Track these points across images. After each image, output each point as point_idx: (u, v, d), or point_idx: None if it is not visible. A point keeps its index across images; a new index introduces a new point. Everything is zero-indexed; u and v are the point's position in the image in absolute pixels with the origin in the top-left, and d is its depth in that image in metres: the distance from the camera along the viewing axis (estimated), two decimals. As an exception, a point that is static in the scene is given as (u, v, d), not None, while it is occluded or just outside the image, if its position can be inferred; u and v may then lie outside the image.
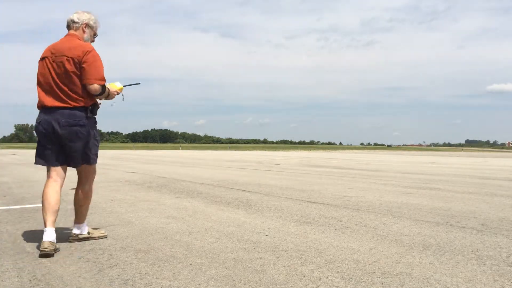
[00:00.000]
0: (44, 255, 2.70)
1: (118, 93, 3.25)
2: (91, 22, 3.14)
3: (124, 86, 3.33)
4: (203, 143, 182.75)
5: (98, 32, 3.27)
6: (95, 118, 3.14)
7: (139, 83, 3.49)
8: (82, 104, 2.98)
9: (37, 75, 3.04)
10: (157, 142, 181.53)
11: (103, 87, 3.04)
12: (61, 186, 3.06)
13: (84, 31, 3.12)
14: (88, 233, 3.22)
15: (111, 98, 3.21)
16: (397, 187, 7.31)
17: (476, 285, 2.25)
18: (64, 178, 3.10)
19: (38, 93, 3.01)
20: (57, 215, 2.95)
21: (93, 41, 3.22)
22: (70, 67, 2.93)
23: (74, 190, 3.23)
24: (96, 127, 3.16)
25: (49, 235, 2.80)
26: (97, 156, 3.25)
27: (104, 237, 3.27)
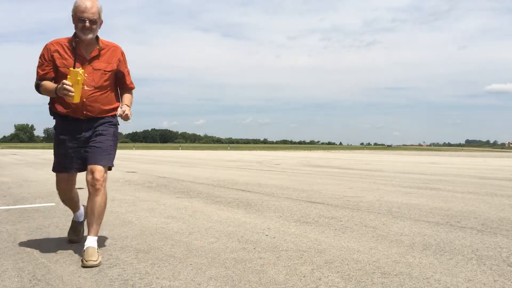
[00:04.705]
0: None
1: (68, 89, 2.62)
2: (72, 13, 2.82)
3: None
4: (203, 143, 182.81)
5: (83, 18, 2.75)
6: (59, 120, 2.93)
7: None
8: None
9: None
10: (157, 142, 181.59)
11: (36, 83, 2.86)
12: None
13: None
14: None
15: (60, 94, 2.69)
16: (397, 187, 7.30)
17: (476, 285, 2.25)
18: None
19: None
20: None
21: (78, 28, 2.78)
22: None
23: (80, 190, 3.21)
24: (59, 129, 2.92)
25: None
26: (54, 158, 2.95)
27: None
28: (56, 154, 2.95)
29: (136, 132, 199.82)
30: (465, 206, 5.07)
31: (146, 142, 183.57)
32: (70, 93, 2.62)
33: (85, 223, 3.15)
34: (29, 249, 2.93)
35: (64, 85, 2.62)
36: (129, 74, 3.10)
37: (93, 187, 2.77)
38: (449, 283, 2.27)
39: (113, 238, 3.27)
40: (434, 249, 2.98)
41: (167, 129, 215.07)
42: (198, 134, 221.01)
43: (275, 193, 6.31)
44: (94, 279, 2.29)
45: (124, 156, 23.75)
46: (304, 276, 2.37)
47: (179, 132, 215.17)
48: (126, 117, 2.90)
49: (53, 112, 2.93)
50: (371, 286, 2.22)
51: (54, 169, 2.96)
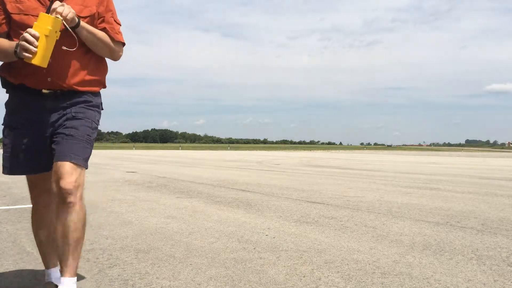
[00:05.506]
0: None
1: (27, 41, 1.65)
2: None
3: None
4: (203, 143, 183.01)
5: None
6: (11, 94, 1.94)
7: None
8: None
9: None
10: (157, 142, 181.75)
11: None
12: None
13: None
14: None
15: (22, 52, 1.67)
16: (397, 187, 7.31)
17: (476, 285, 2.25)
18: None
19: None
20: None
21: None
22: None
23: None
24: (10, 107, 1.93)
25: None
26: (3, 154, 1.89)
27: None
28: (4, 147, 1.90)
29: (136, 132, 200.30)
30: (465, 206, 5.07)
31: (146, 142, 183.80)
32: (31, 48, 1.65)
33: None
34: (29, 249, 2.93)
35: (25, 34, 1.66)
36: (116, 22, 2.00)
37: (62, 198, 1.75)
38: (449, 283, 2.27)
39: (113, 238, 3.27)
40: (434, 249, 2.98)
41: (167, 129, 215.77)
42: (198, 134, 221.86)
43: (275, 193, 6.31)
44: (94, 279, 2.29)
45: (124, 156, 23.72)
46: (304, 276, 2.37)
47: (179, 132, 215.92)
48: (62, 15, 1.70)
49: (6, 82, 1.93)
50: (371, 286, 2.22)
51: (4, 171, 1.91)
